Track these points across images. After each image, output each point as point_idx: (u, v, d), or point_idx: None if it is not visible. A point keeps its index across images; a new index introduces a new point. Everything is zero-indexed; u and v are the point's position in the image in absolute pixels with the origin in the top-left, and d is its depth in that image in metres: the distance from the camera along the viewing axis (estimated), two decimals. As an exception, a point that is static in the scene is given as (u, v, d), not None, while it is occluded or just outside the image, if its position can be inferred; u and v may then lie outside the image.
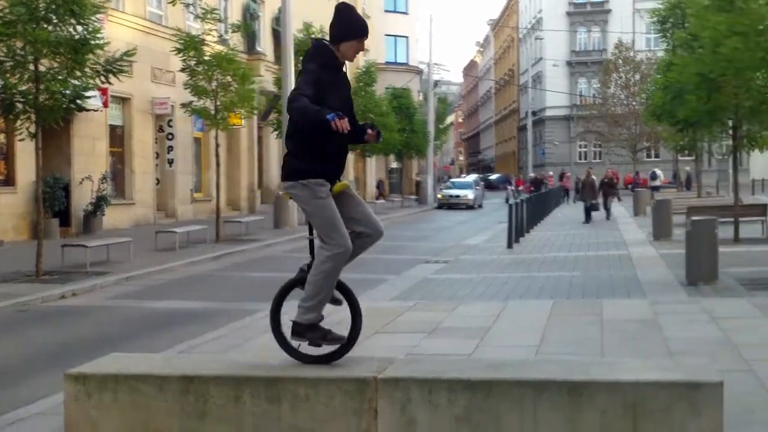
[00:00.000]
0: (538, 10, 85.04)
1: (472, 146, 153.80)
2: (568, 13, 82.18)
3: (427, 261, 20.17)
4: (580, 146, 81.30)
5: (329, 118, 5.29)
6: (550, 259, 20.06)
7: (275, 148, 39.68)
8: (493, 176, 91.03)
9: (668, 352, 8.94)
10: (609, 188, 35.49)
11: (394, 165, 62.78)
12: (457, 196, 52.31)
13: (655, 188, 44.44)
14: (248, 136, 38.71)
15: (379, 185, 57.68)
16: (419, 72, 67.36)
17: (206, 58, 24.44)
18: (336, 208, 5.75)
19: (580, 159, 79.42)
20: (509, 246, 22.80)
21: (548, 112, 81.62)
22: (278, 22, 35.96)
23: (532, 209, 30.06)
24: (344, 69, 5.98)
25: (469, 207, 51.38)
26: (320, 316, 5.82)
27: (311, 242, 6.02)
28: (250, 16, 38.28)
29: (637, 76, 59.32)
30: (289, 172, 5.83)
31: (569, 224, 32.44)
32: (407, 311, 11.83)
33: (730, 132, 22.67)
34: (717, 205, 26.41)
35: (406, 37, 66.35)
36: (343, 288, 6.01)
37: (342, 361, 5.91)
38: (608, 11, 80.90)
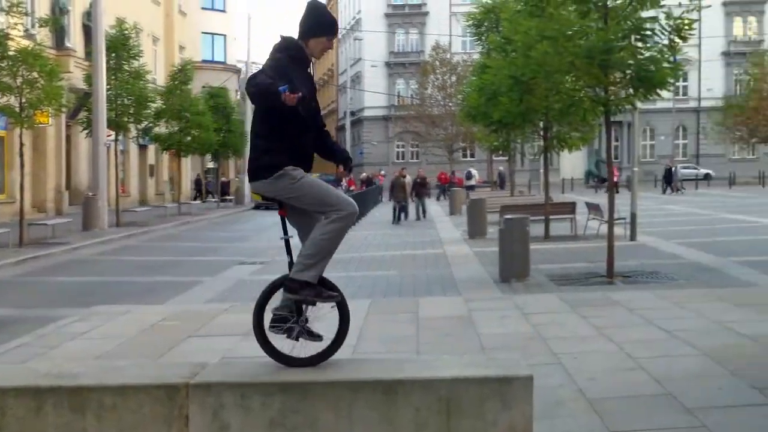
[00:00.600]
0: (357, 11, 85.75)
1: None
2: (387, 15, 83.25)
3: (243, 262, 19.88)
4: (398, 146, 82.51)
5: (281, 90, 5.06)
6: (368, 258, 20.19)
7: (84, 147, 38.12)
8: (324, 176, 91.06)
9: (481, 348, 9.11)
10: (421, 188, 36.07)
11: (211, 165, 61.84)
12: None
13: (471, 187, 45.59)
14: (56, 135, 37.05)
15: (198, 184, 56.66)
16: (237, 71, 66.60)
17: (11, 53, 23.23)
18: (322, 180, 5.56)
19: (398, 159, 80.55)
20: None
21: (367, 113, 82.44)
22: (89, 17, 34.64)
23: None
24: (310, 68, 5.82)
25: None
26: (317, 277, 5.56)
27: (287, 242, 5.71)
28: (59, 11, 36.70)
29: (454, 78, 60.71)
30: (259, 171, 5.54)
31: (386, 224, 32.81)
32: (222, 314, 11.58)
33: (541, 133, 23.51)
34: (529, 204, 27.37)
35: (224, 35, 65.47)
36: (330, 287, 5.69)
37: (152, 366, 5.67)
38: (426, 13, 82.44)
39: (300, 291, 5.54)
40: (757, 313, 10.69)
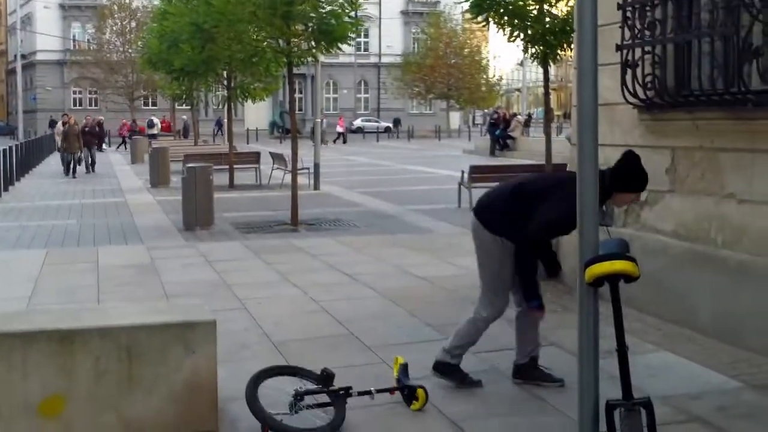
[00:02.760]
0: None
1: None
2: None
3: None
4: (75, 93, 78.64)
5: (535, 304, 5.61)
6: (43, 207, 19.12)
7: None
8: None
9: (165, 296, 8.91)
10: (91, 137, 32.55)
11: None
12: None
13: (153, 136, 44.39)
14: None
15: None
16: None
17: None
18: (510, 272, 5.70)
19: (75, 106, 76.71)
20: (-2, 196, 21.32)
21: (39, 56, 77.65)
22: None
23: (22, 157, 28.42)
24: None
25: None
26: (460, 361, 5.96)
27: None
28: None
29: (134, 24, 58.66)
30: (500, 228, 5.63)
31: (59, 175, 31.05)
32: None
33: (225, 82, 23.28)
34: (213, 153, 27.11)
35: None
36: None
37: None
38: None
39: (449, 374, 5.93)
40: (432, 257, 11.27)
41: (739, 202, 6.64)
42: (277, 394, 5.20)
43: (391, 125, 71.03)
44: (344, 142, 55.71)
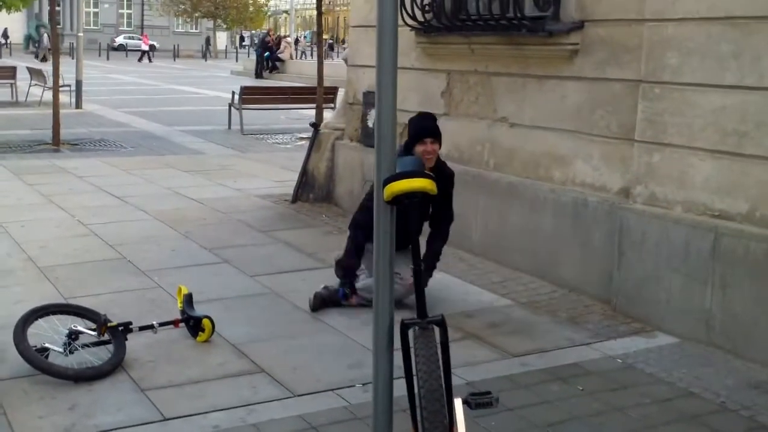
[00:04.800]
0: None
1: None
2: None
3: None
4: None
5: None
6: None
7: None
8: None
9: None
10: None
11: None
12: None
13: None
14: None
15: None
16: None
17: None
18: None
19: None
20: None
21: None
22: None
23: None
24: None
25: None
26: None
27: None
28: None
29: None
30: None
31: None
32: None
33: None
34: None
35: None
36: None
37: None
38: None
39: None
40: (204, 179, 11.03)
41: (510, 126, 6.88)
42: (51, 333, 4.90)
43: (156, 44, 68.38)
44: (150, 60, 53.06)
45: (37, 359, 4.61)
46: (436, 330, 3.03)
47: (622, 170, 5.88)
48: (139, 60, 52.86)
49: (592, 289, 6.07)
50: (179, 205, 9.25)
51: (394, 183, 3.00)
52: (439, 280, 6.55)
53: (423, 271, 5.31)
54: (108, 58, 53.41)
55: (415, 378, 3.01)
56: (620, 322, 5.68)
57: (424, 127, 5.80)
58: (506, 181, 6.89)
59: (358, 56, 8.83)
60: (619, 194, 5.92)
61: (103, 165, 12.04)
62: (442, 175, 5.75)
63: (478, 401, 3.00)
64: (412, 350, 3.02)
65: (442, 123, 7.59)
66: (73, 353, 4.80)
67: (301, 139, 15.95)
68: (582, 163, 6.22)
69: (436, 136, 5.77)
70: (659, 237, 5.48)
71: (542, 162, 6.54)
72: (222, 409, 4.29)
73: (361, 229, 5.87)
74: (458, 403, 2.99)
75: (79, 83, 20.88)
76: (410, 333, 3.05)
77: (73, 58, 22.48)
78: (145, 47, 55.03)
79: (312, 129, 9.77)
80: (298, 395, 4.51)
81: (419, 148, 5.70)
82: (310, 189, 9.45)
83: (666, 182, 5.45)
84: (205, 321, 5.25)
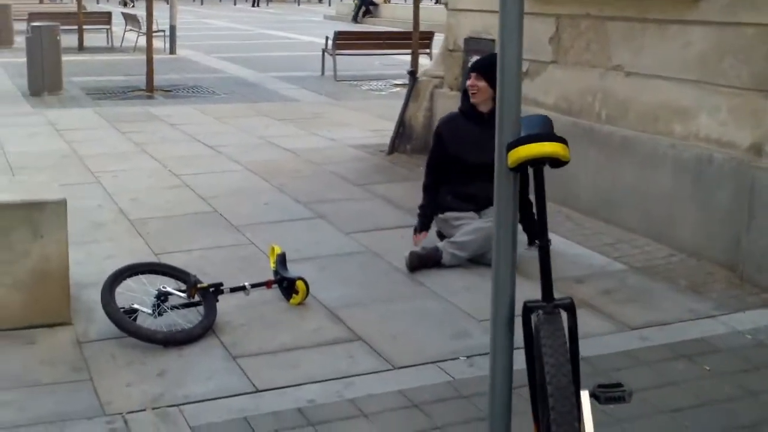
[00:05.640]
0: None
1: None
2: None
3: None
4: None
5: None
6: None
7: None
8: None
9: (10, 169, 8.16)
10: None
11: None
12: None
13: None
14: None
15: None
16: None
17: None
18: None
19: None
20: None
21: None
22: None
23: None
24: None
25: None
26: None
27: None
28: None
29: None
30: None
31: None
32: None
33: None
34: (60, 12, 25.36)
35: None
36: None
37: None
38: None
39: None
40: (297, 128, 10.76)
41: (626, 75, 6.37)
42: (140, 294, 4.67)
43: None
44: (256, 5, 53.09)
45: (125, 321, 4.39)
46: (563, 314, 2.65)
47: (754, 125, 5.35)
48: (255, 5, 52.73)
49: (715, 255, 5.59)
50: (272, 156, 9.00)
51: (521, 147, 2.61)
52: (545, 241, 6.15)
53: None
54: (202, 3, 53.53)
55: (537, 369, 2.64)
56: (748, 293, 5.20)
57: (473, 64, 5.86)
58: (620, 135, 6.39)
59: (458, 0, 8.36)
60: (749, 151, 5.40)
61: (195, 112, 11.87)
62: None
63: (607, 395, 2.63)
64: (536, 337, 2.65)
65: (549, 71, 7.17)
66: (162, 315, 4.57)
67: (396, 85, 15.58)
68: (706, 116, 5.69)
69: (483, 71, 5.55)
70: (797, 200, 4.97)
71: (661, 115, 6.02)
72: (317, 381, 4.00)
73: (425, 183, 6.03)
74: (585, 396, 2.62)
75: (173, 28, 20.82)
76: (533, 317, 2.68)
77: (167, 3, 22.36)
78: None
79: (409, 77, 9.37)
80: (399, 367, 4.19)
81: (467, 83, 5.70)
82: (408, 140, 9.09)
83: (806, 139, 4.93)
84: (299, 283, 4.95)
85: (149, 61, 14.11)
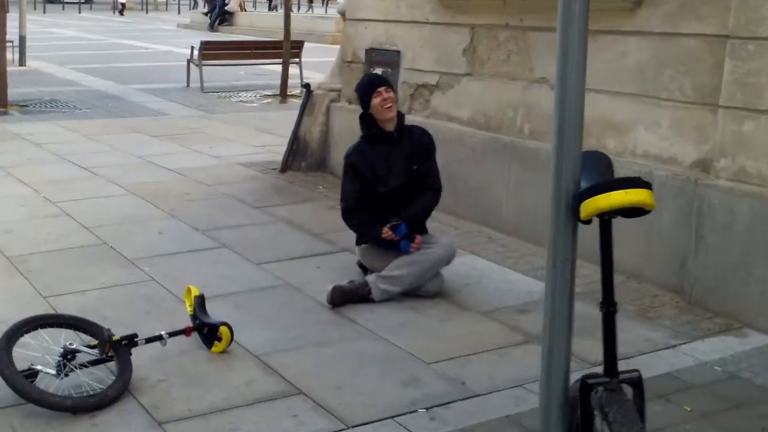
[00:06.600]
0: None
1: None
2: None
3: None
4: None
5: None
6: None
7: None
8: None
9: None
10: None
11: None
12: None
13: None
14: None
15: None
16: None
17: None
18: None
19: None
20: None
21: None
22: None
23: None
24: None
25: None
26: None
27: None
28: None
29: None
30: None
31: None
32: None
33: None
34: None
35: None
36: None
37: None
38: None
39: None
40: (176, 144, 10.05)
41: (552, 88, 6.02)
42: (43, 352, 3.98)
43: None
44: (121, 13, 50.89)
45: (27, 388, 3.71)
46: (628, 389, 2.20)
47: (700, 140, 5.07)
48: (121, 13, 50.62)
49: (658, 277, 5.29)
50: (156, 177, 8.29)
51: (600, 196, 2.14)
52: (473, 266, 5.75)
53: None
54: (44, 11, 51.19)
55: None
56: (700, 318, 4.91)
57: (372, 79, 5.40)
58: (546, 151, 6.03)
59: (358, 9, 7.85)
60: (694, 168, 5.12)
61: (60, 129, 10.95)
62: (412, 136, 5.16)
63: None
64: (597, 419, 2.19)
65: (463, 84, 6.77)
66: (68, 375, 3.90)
67: (266, 96, 15.01)
68: (645, 131, 5.39)
69: (388, 84, 5.19)
70: (751, 218, 4.70)
71: (593, 130, 5.69)
72: (263, 450, 3.45)
73: (356, 221, 5.33)
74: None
75: (22, 39, 19.52)
76: (593, 395, 2.22)
77: (7, 11, 20.96)
78: None
79: (304, 90, 8.80)
80: (353, 426, 3.67)
81: (375, 101, 5.09)
82: (302, 157, 8.53)
83: (761, 155, 4.66)
84: (223, 329, 4.35)
85: (1, 74, 13.02)
